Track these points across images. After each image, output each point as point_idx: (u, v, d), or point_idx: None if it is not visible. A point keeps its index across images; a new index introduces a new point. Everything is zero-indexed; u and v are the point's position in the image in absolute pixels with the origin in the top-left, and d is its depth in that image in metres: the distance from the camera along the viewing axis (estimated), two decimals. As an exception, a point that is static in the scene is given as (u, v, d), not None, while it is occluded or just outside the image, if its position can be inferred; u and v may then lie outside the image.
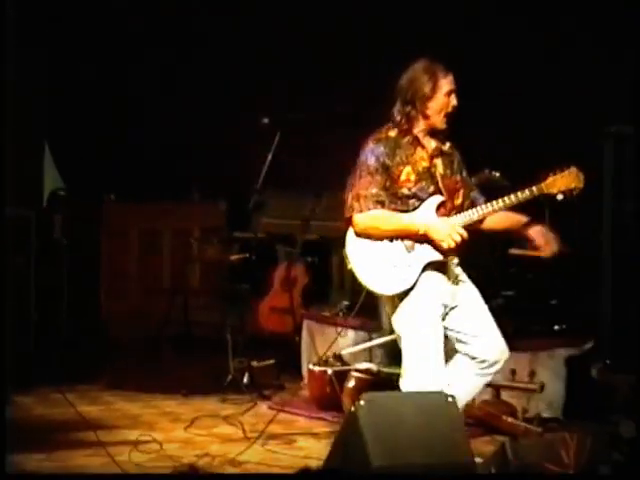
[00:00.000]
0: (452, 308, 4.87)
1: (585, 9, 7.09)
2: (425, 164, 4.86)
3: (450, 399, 4.48)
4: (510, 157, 7.53)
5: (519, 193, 4.75)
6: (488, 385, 6.14)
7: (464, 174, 5.03)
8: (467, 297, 4.91)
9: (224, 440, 5.81)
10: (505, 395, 6.11)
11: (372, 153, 4.84)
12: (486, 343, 4.86)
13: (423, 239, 4.77)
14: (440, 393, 4.51)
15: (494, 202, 4.82)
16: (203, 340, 8.33)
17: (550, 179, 4.75)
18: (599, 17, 7.00)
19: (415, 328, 4.77)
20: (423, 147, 4.89)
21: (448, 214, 4.85)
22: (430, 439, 4.28)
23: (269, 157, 6.87)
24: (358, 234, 4.83)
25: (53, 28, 8.65)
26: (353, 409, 4.27)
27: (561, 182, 4.75)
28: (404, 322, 4.81)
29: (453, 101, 4.87)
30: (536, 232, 4.88)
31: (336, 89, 8.98)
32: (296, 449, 5.68)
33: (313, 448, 5.65)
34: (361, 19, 8.56)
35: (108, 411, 6.51)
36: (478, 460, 4.44)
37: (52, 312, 7.72)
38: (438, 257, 4.78)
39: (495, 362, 4.90)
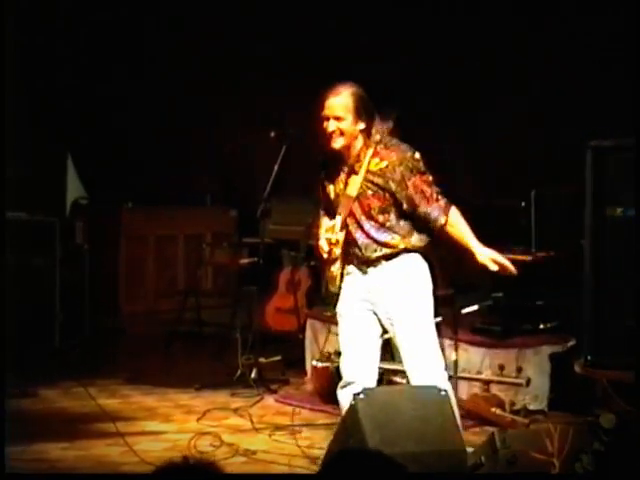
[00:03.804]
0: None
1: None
2: (341, 185, 4.71)
3: (443, 393, 4.50)
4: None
5: None
6: (478, 379, 6.19)
7: (371, 190, 4.60)
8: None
9: (234, 430, 5.83)
10: (494, 389, 6.13)
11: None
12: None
13: None
14: (434, 387, 4.53)
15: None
16: (214, 338, 8.34)
17: None
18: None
19: None
20: (341, 170, 4.71)
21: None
22: (424, 430, 4.30)
23: (275, 168, 6.86)
24: None
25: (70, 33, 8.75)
26: (353, 402, 4.29)
27: None
28: None
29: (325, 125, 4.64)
30: (485, 261, 4.53)
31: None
32: (300, 439, 5.69)
33: (316, 438, 5.66)
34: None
35: (126, 404, 6.53)
36: (469, 449, 4.45)
37: (75, 312, 7.74)
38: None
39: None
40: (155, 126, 9.63)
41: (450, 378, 5.86)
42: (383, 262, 4.66)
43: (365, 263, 4.68)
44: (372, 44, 8.51)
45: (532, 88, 7.66)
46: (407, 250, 4.66)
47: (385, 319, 4.69)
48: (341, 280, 4.74)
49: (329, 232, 4.66)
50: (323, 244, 4.69)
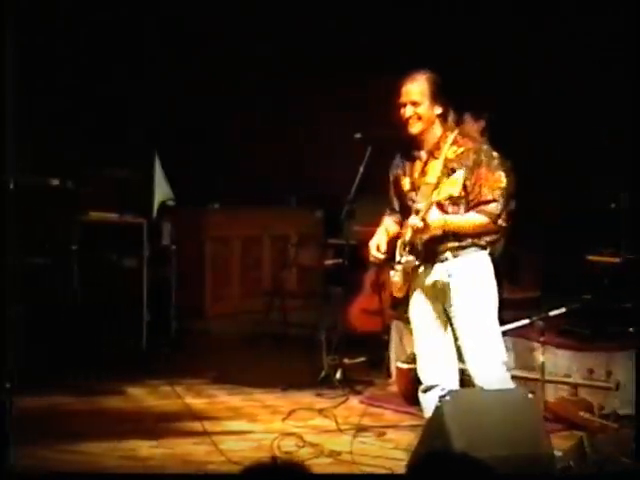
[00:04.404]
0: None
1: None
2: (417, 175, 4.71)
3: (530, 396, 4.45)
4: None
5: None
6: (566, 383, 6.10)
7: (445, 178, 4.52)
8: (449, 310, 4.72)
9: (319, 431, 5.84)
10: (582, 392, 6.03)
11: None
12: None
13: None
14: (520, 390, 4.48)
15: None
16: (299, 339, 8.37)
17: None
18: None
19: None
20: (418, 158, 4.72)
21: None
22: (512, 433, 4.26)
23: (361, 170, 6.85)
24: None
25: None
26: (439, 404, 4.27)
27: None
28: None
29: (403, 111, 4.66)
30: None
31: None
32: (385, 441, 5.69)
33: (401, 440, 5.64)
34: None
35: (212, 403, 6.58)
36: (557, 453, 4.40)
37: (162, 313, 7.84)
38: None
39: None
40: (241, 129, 9.69)
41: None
42: (449, 256, 4.62)
43: (431, 257, 4.64)
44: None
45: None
46: (474, 245, 4.63)
47: (451, 316, 4.68)
48: (405, 282, 4.71)
49: (416, 216, 4.58)
50: (372, 241, 4.73)
